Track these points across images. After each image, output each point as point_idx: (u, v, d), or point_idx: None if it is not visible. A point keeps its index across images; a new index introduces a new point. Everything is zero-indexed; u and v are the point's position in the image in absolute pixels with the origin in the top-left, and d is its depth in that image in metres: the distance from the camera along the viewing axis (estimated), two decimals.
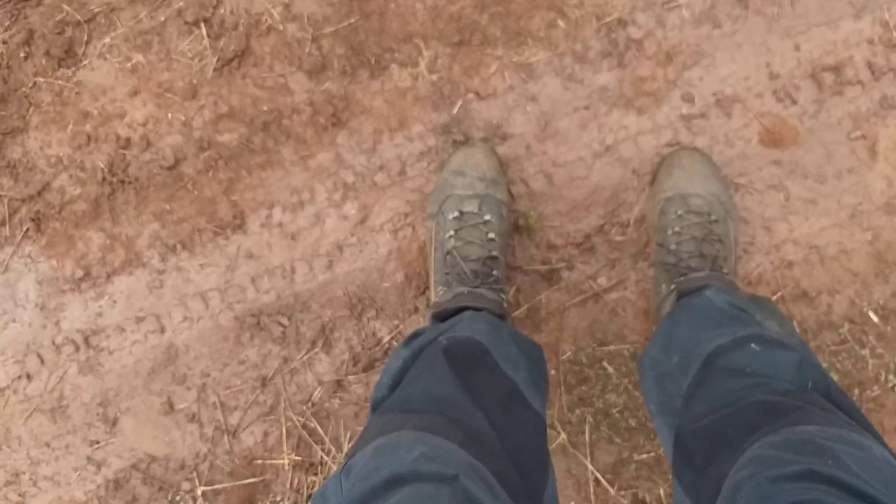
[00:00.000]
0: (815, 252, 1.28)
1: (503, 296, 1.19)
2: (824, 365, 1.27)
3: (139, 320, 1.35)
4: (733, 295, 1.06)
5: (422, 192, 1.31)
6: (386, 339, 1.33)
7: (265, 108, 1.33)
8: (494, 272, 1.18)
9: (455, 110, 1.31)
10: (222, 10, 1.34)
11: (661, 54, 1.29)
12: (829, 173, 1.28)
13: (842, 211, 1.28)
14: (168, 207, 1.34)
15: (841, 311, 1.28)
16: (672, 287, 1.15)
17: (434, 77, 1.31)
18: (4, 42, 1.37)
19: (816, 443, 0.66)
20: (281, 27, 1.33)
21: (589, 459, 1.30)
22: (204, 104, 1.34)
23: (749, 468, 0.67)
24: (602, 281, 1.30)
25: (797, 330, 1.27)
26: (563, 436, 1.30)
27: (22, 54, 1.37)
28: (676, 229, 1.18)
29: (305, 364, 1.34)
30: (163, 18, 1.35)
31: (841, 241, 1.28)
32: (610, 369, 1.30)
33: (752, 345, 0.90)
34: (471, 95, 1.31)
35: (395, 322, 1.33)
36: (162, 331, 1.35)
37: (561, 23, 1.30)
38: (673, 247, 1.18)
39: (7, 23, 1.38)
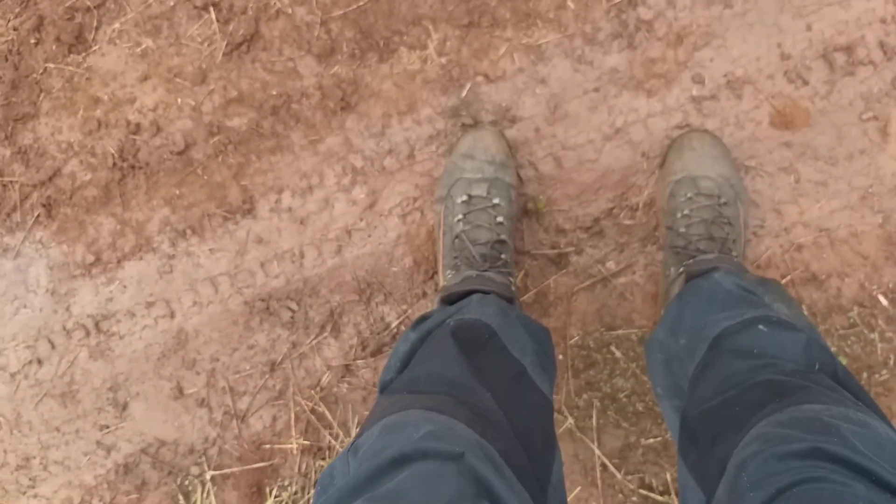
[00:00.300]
0: (825, 235, 1.27)
1: (511, 279, 1.19)
2: (833, 349, 1.26)
3: (149, 305, 1.36)
4: (742, 277, 1.06)
5: (430, 176, 1.31)
6: (394, 324, 1.33)
7: (274, 93, 1.33)
8: (503, 256, 1.18)
9: (464, 93, 1.30)
10: None
11: (672, 35, 1.28)
12: (841, 155, 1.27)
13: (852, 193, 1.27)
14: (178, 192, 1.35)
15: (850, 294, 1.28)
16: (681, 270, 1.14)
17: (443, 60, 1.31)
18: (15, 28, 1.38)
19: (822, 421, 0.66)
20: (290, 11, 1.33)
21: (596, 444, 1.30)
22: (213, 89, 1.34)
23: (754, 445, 0.67)
24: (611, 265, 1.30)
25: (806, 313, 1.26)
26: (571, 420, 1.30)
27: (32, 40, 1.37)
28: (686, 212, 1.17)
29: (314, 349, 1.34)
30: (172, 3, 1.35)
31: (851, 224, 1.27)
32: (618, 354, 1.30)
33: (760, 326, 0.90)
34: (480, 78, 1.30)
35: (404, 307, 1.33)
36: (172, 316, 1.36)
37: (570, 4, 1.29)
38: (682, 229, 1.17)
39: (17, 9, 1.38)
